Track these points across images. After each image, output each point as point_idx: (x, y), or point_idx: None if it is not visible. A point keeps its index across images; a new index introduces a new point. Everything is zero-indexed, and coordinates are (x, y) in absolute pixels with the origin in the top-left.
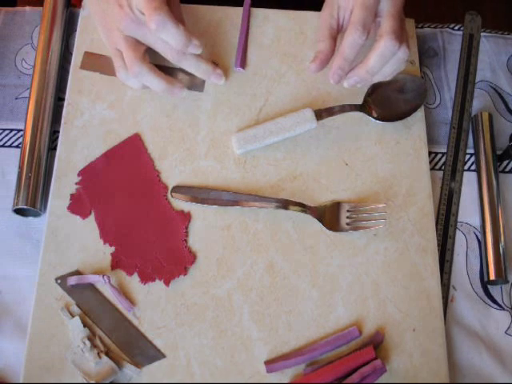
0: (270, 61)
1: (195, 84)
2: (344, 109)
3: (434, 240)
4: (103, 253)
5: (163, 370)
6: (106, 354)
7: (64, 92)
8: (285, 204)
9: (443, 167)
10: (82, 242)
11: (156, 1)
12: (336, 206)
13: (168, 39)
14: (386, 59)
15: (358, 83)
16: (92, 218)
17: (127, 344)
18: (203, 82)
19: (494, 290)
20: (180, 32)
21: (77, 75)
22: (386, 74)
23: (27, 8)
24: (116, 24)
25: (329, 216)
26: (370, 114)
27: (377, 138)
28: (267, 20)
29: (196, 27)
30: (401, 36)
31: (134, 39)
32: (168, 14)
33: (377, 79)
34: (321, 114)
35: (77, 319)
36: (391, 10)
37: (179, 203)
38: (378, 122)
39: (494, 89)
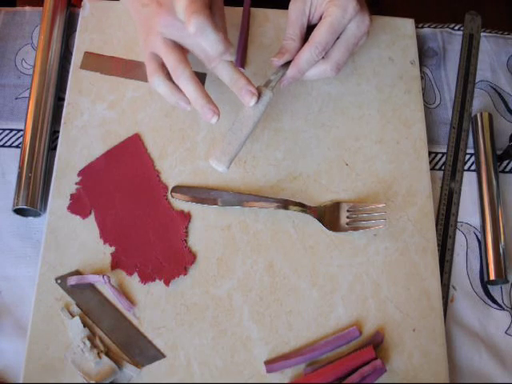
0: (270, 61)
1: None
2: (283, 71)
3: (434, 240)
4: (103, 253)
5: (163, 370)
6: (106, 354)
7: (64, 92)
8: (285, 204)
9: (443, 167)
10: (82, 242)
11: (197, 3)
12: (336, 206)
13: (206, 45)
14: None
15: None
16: (92, 217)
17: (127, 344)
18: (203, 81)
19: (494, 290)
20: (219, 39)
21: (77, 75)
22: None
23: (27, 8)
24: (156, 26)
25: (329, 216)
26: None
27: (377, 138)
28: (267, 20)
29: None
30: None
31: (172, 42)
32: (208, 19)
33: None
34: (267, 83)
35: (77, 319)
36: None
37: (179, 203)
38: None
39: (494, 89)
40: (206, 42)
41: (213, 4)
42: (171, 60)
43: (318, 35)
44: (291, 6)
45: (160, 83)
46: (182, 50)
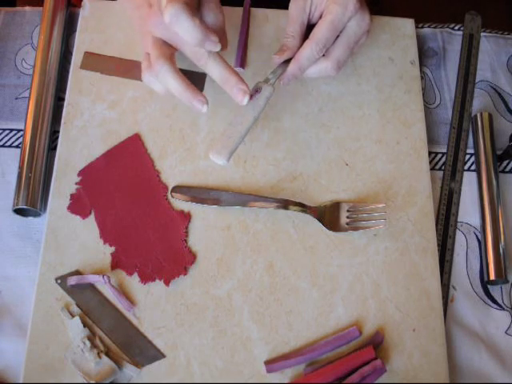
0: (269, 61)
1: (195, 84)
2: (283, 68)
3: (434, 240)
4: (103, 253)
5: (163, 370)
6: (106, 354)
7: (64, 92)
8: (285, 204)
9: (443, 167)
10: (82, 242)
11: None
12: (336, 206)
13: (182, 34)
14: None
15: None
16: (92, 217)
17: (127, 344)
18: (203, 81)
19: (494, 290)
20: (195, 26)
21: (77, 75)
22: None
23: (27, 8)
24: (147, 26)
25: (329, 216)
26: None
27: (377, 138)
28: (267, 20)
29: None
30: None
31: (162, 41)
32: (183, 7)
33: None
34: (266, 80)
35: (77, 319)
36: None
37: (179, 203)
38: None
39: (494, 89)
40: (182, 30)
41: (203, 4)
42: (152, 56)
43: (319, 32)
44: (292, 4)
45: (150, 80)
46: (169, 48)
